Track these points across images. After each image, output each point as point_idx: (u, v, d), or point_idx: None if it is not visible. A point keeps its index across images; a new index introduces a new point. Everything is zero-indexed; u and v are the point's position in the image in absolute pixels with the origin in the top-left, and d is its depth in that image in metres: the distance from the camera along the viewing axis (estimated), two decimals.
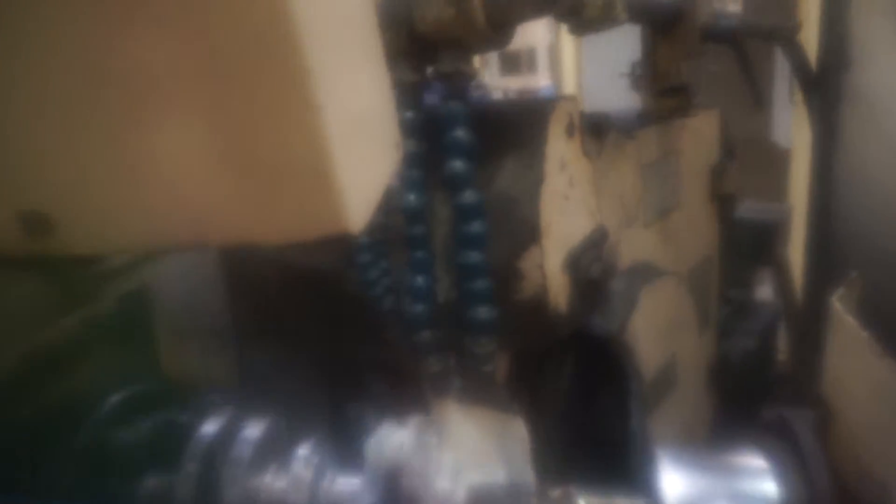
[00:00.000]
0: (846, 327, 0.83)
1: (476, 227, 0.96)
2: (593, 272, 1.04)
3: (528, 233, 0.97)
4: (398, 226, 1.10)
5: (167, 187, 0.63)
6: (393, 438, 1.00)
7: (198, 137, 0.60)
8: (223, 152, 0.60)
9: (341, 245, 1.49)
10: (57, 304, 1.16)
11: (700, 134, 1.40)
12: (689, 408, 1.46)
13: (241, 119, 0.57)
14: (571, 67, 3.52)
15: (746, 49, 1.27)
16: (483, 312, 0.98)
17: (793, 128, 3.03)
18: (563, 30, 3.84)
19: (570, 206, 1.02)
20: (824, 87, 2.05)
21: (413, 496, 0.94)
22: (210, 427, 1.12)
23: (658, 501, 0.89)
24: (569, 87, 3.56)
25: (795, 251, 2.45)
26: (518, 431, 1.06)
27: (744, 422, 1.75)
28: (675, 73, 1.24)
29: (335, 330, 1.52)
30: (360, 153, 0.63)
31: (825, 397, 0.89)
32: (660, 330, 1.25)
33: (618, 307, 1.13)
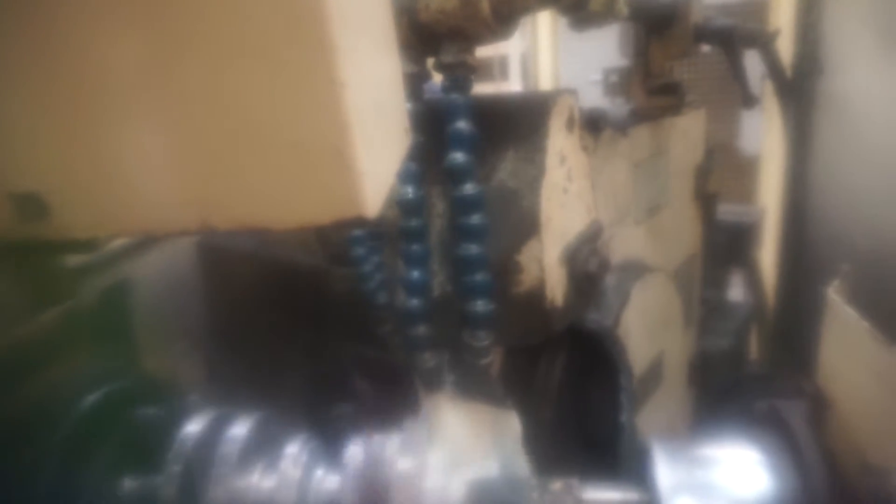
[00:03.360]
0: (844, 318, 0.84)
1: (476, 219, 0.95)
2: (590, 266, 1.04)
3: (527, 226, 0.97)
4: (390, 219, 1.09)
5: (171, 167, 0.60)
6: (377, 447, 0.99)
7: (205, 115, 0.57)
8: (233, 131, 0.57)
9: (326, 242, 1.47)
10: (35, 299, 1.11)
11: (688, 134, 1.42)
12: (673, 403, 1.48)
13: (255, 95, 0.55)
14: (549, 73, 3.54)
15: (738, 50, 1.29)
16: (481, 306, 0.97)
17: (762, 133, 3.09)
18: (541, 37, 3.86)
19: (569, 199, 1.02)
20: (799, 92, 2.10)
21: (408, 494, 0.92)
22: (195, 426, 1.09)
23: (653, 493, 0.89)
24: (545, 74, 3.56)
25: (766, 253, 2.51)
26: (511, 425, 1.05)
27: (718, 418, 1.78)
28: (668, 72, 1.25)
29: (317, 329, 1.50)
30: (376, 136, 0.61)
31: (820, 388, 0.90)
32: (649, 326, 1.25)
33: (611, 302, 1.13)
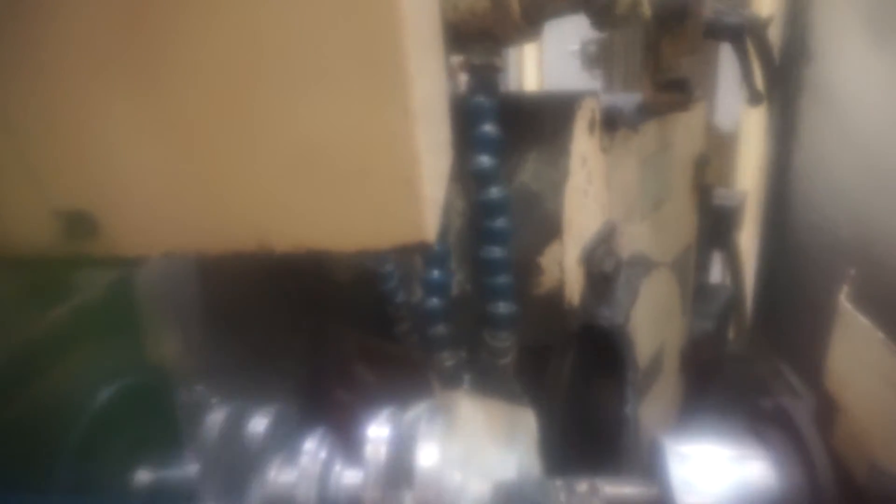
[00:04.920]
0: (856, 325, 0.87)
1: (501, 223, 0.95)
2: (606, 266, 1.06)
3: (549, 228, 0.98)
4: None
5: (230, 187, 0.59)
6: (399, 424, 1.00)
7: (271, 137, 0.56)
8: (298, 154, 0.57)
9: None
10: (41, 296, 1.09)
11: (690, 127, 1.44)
12: (669, 391, 1.52)
13: (324, 121, 0.55)
14: (533, 46, 3.51)
15: (746, 46, 1.31)
16: (504, 307, 0.98)
17: (741, 116, 3.12)
18: None
19: (588, 201, 1.03)
20: (785, 78, 2.13)
21: (428, 489, 0.94)
22: (214, 420, 1.09)
23: (666, 489, 0.93)
24: (530, 64, 3.54)
25: (746, 237, 2.56)
26: (527, 422, 1.08)
27: (705, 402, 1.84)
28: (677, 67, 1.26)
29: (319, 317, 1.50)
30: (434, 160, 0.61)
31: (830, 391, 0.93)
32: (654, 319, 1.29)
33: (622, 299, 1.15)
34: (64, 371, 1.06)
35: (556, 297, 1.01)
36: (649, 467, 0.99)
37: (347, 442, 1.08)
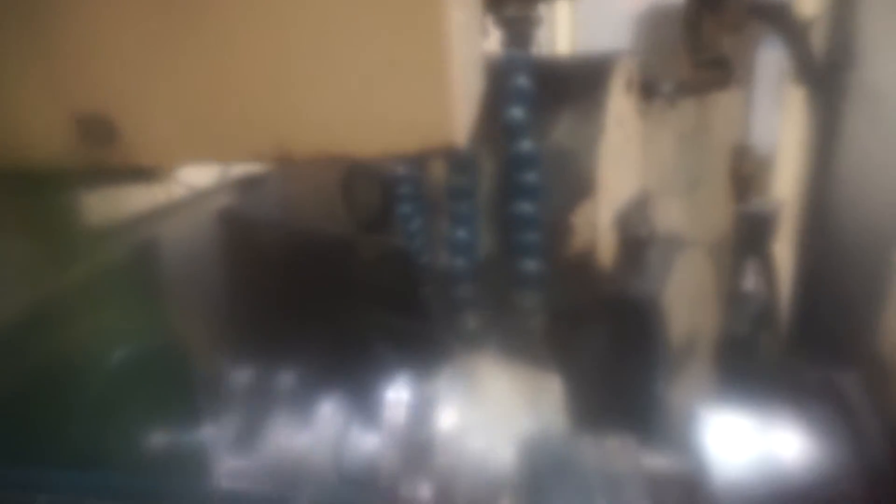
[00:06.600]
0: None
1: (531, 177, 0.93)
2: (641, 232, 1.02)
3: (582, 187, 0.95)
4: (436, 179, 1.07)
5: (248, 88, 0.58)
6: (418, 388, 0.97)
7: (289, 26, 0.55)
8: (319, 44, 0.55)
9: (355, 208, 1.45)
10: (62, 257, 1.09)
11: (728, 111, 1.40)
12: (702, 380, 1.46)
13: (348, 8, 0.53)
14: (567, 20, 3.34)
15: (794, 26, 1.27)
16: (532, 265, 0.95)
17: (778, 128, 3.05)
18: None
19: (624, 163, 1.00)
20: (829, 84, 2.07)
21: (448, 454, 0.91)
22: (239, 377, 1.07)
23: (703, 463, 0.88)
24: (563, 41, 3.37)
25: (781, 247, 2.49)
26: (552, 387, 1.04)
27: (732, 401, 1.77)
28: (717, 45, 1.23)
29: (343, 297, 1.48)
30: (466, 67, 0.59)
31: (884, 356, 0.88)
32: (688, 300, 1.24)
33: (656, 272, 1.11)
34: (80, 332, 1.06)
35: (587, 259, 0.98)
36: (685, 438, 0.94)
37: (367, 411, 1.05)
